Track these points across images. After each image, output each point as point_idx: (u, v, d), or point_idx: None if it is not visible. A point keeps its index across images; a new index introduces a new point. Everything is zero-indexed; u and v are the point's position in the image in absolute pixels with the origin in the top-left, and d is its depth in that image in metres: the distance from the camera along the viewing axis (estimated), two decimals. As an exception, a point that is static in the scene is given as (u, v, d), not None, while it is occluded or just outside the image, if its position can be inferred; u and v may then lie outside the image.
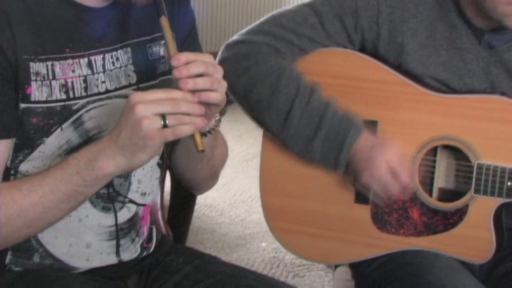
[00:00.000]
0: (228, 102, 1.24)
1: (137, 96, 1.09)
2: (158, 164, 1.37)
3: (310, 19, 1.50)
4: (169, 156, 1.39)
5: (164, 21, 1.16)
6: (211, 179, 1.40)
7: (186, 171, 1.37)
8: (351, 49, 1.52)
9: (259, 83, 1.49)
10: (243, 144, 4.03)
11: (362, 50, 1.53)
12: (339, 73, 1.52)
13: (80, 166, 1.13)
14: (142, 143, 1.09)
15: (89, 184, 1.14)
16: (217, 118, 1.23)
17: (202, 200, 3.27)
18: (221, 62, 1.51)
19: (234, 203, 3.34)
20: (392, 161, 1.42)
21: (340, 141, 1.45)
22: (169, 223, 1.59)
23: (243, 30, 1.55)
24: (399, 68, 1.49)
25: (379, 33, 1.48)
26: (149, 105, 1.08)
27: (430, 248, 1.48)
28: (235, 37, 1.55)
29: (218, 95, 1.15)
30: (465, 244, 1.46)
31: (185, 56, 1.12)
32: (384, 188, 1.43)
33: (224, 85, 1.16)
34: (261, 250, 2.88)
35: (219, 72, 1.15)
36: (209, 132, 1.22)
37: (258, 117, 1.52)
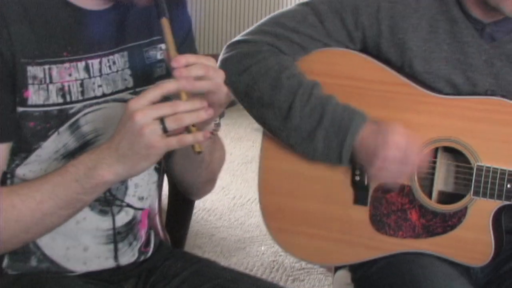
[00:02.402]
0: (227, 105, 1.23)
1: (134, 103, 1.08)
2: (156, 168, 1.36)
3: (309, 18, 1.49)
4: (165, 160, 1.38)
5: (165, 23, 1.15)
6: (209, 183, 1.40)
7: (184, 175, 1.37)
8: (352, 47, 1.52)
9: (260, 79, 1.48)
10: (242, 147, 4.02)
11: (365, 49, 1.52)
12: (340, 73, 1.51)
13: (79, 174, 1.12)
14: (145, 152, 1.08)
15: (88, 191, 1.14)
16: (216, 122, 1.22)
17: (201, 204, 3.26)
18: (223, 62, 1.51)
19: (233, 206, 3.33)
20: (402, 140, 1.38)
21: (344, 130, 1.42)
22: (167, 228, 1.58)
23: (244, 31, 1.55)
24: (402, 65, 1.48)
25: (380, 29, 1.47)
26: (147, 111, 1.07)
27: (428, 251, 1.47)
28: (236, 37, 1.55)
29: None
30: (463, 247, 1.45)
31: (185, 58, 1.11)
32: (399, 169, 1.39)
33: (224, 90, 1.15)
34: (260, 254, 2.87)
35: (219, 76, 1.13)
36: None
37: (259, 114, 1.51)
